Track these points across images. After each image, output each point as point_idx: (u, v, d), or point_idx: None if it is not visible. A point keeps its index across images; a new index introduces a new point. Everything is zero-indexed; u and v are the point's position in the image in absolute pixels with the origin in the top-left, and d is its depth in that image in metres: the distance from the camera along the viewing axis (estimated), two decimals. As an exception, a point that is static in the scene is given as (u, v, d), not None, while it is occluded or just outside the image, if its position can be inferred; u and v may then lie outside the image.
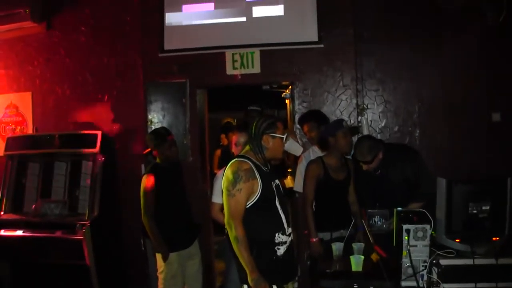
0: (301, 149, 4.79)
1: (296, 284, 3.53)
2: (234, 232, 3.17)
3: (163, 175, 4.66)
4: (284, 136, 3.34)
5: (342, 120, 4.74)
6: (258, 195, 3.22)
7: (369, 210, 4.18)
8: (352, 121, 5.53)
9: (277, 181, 3.41)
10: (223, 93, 6.73)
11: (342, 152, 4.53)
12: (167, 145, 4.70)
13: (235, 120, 8.28)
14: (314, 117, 5.09)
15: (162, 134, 4.76)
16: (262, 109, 5.75)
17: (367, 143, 4.21)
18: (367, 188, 4.39)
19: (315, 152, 4.87)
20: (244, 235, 3.16)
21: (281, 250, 3.25)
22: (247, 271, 3.16)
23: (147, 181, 4.57)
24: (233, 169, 3.24)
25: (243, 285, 3.28)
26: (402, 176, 4.21)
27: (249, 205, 3.22)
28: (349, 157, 4.62)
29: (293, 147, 3.32)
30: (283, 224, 3.29)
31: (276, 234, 3.24)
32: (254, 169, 3.24)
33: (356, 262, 3.54)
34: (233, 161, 3.33)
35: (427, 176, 4.14)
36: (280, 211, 3.29)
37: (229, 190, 3.20)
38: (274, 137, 3.32)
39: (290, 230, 3.34)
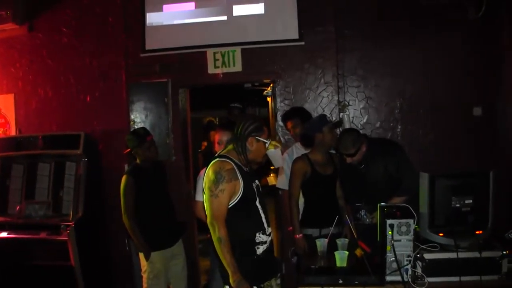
0: (282, 163, 4.78)
1: (279, 281, 3.50)
2: (217, 233, 3.14)
3: (143, 175, 4.67)
4: (268, 142, 3.31)
5: (325, 115, 4.79)
6: (240, 196, 3.21)
7: (356, 204, 4.24)
8: (334, 118, 5.55)
9: (257, 182, 3.40)
10: (206, 92, 6.74)
11: (328, 147, 4.55)
12: (146, 145, 4.70)
13: (217, 119, 8.29)
14: (298, 114, 5.10)
15: (141, 134, 4.76)
16: (243, 107, 5.77)
17: (350, 136, 4.24)
18: (352, 182, 4.39)
19: (298, 149, 4.90)
20: (227, 236, 3.14)
21: (260, 250, 3.26)
22: (229, 273, 3.14)
23: (125, 182, 4.59)
24: (215, 168, 3.22)
25: (225, 286, 3.28)
26: (385, 170, 4.21)
27: (230, 205, 3.21)
28: (333, 151, 4.65)
29: (276, 156, 3.33)
30: (263, 224, 3.30)
31: (257, 234, 3.25)
32: (236, 169, 3.23)
33: (341, 258, 3.55)
34: (214, 160, 3.30)
35: (410, 170, 4.14)
36: (261, 211, 3.30)
37: (212, 190, 3.18)
38: (258, 140, 3.31)
39: (269, 230, 3.35)
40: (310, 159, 4.50)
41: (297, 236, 4.40)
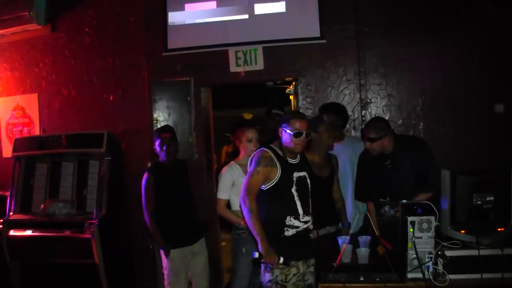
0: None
1: (312, 268, 3.71)
2: (248, 205, 3.56)
3: (164, 173, 4.69)
4: (293, 132, 3.59)
5: (323, 115, 4.75)
6: (275, 181, 3.61)
7: (380, 200, 4.22)
8: (356, 115, 5.59)
9: (302, 173, 3.73)
10: (228, 91, 6.75)
11: (325, 147, 4.47)
12: (159, 143, 4.71)
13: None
14: (334, 109, 5.06)
15: (157, 131, 4.82)
16: (285, 113, 5.78)
17: (378, 122, 4.30)
18: (376, 178, 4.34)
19: None
20: (256, 208, 3.56)
21: (289, 232, 3.60)
22: (258, 241, 3.51)
23: (145, 179, 4.62)
24: (257, 155, 3.69)
25: (255, 252, 3.64)
26: (411, 166, 4.17)
27: (266, 188, 3.63)
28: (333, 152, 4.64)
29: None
30: (297, 210, 3.63)
31: (288, 217, 3.60)
32: (274, 157, 3.63)
33: (362, 255, 3.56)
34: (259, 149, 3.79)
35: (435, 167, 4.11)
36: (296, 198, 3.63)
37: (250, 171, 3.64)
38: (285, 131, 3.66)
39: (307, 218, 3.67)
40: (308, 160, 4.37)
41: None
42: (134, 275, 6.00)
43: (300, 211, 3.63)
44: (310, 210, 3.72)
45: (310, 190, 3.78)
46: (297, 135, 3.60)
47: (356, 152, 4.91)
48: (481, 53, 5.44)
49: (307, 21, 5.65)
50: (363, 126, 5.52)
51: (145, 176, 4.65)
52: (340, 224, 4.49)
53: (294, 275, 3.59)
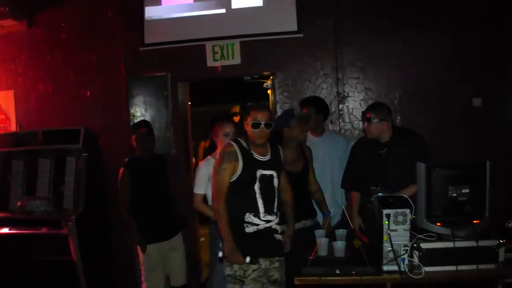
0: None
1: (277, 264, 3.64)
2: (218, 204, 3.57)
3: (140, 167, 4.68)
4: (251, 123, 3.57)
5: (292, 110, 4.74)
6: (237, 176, 3.58)
7: (371, 188, 4.18)
8: (333, 109, 5.59)
9: (269, 172, 3.64)
10: (207, 87, 6.74)
11: (298, 142, 4.46)
12: (135, 137, 4.70)
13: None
14: (314, 103, 5.08)
15: (134, 126, 4.82)
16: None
17: (381, 106, 4.31)
18: (370, 166, 4.31)
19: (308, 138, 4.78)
20: (224, 208, 3.54)
21: (250, 229, 3.56)
22: (224, 241, 3.55)
23: (122, 174, 4.62)
24: (221, 150, 3.72)
25: (219, 252, 3.68)
26: (407, 158, 4.08)
27: (232, 180, 3.59)
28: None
29: None
30: (257, 208, 3.57)
31: (247, 214, 3.56)
32: (239, 152, 3.59)
33: (338, 248, 3.56)
34: (226, 142, 3.75)
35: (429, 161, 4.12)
36: (258, 196, 3.57)
37: (216, 168, 3.62)
38: (247, 123, 3.64)
39: (270, 218, 3.60)
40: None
41: None
42: (113, 271, 5.97)
43: (261, 209, 3.57)
44: (276, 211, 3.65)
45: (276, 190, 3.68)
46: (255, 125, 3.57)
47: (336, 146, 4.93)
48: (460, 48, 5.47)
49: (284, 15, 5.64)
50: (340, 120, 5.54)
51: (121, 170, 4.65)
52: (317, 218, 4.49)
53: (253, 271, 3.54)
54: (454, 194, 3.34)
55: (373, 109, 4.25)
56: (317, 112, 4.95)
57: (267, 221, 3.59)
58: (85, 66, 6.08)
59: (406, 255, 3.23)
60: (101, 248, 5.82)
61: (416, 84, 5.57)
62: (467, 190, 3.33)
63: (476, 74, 5.47)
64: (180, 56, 5.79)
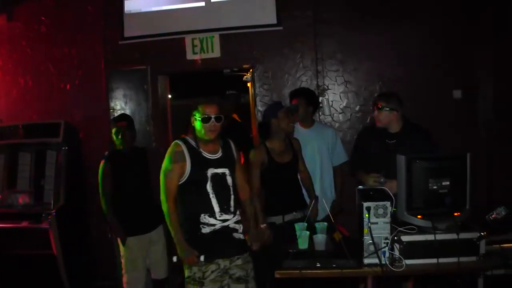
0: None
1: (239, 261, 3.61)
2: (166, 206, 3.50)
3: (120, 160, 4.68)
4: (201, 117, 3.50)
5: (280, 102, 4.70)
6: (187, 177, 3.50)
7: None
8: (313, 102, 5.58)
9: (221, 170, 3.59)
10: (188, 80, 6.74)
11: (286, 133, 4.41)
12: (114, 131, 4.70)
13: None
14: (304, 94, 5.03)
15: (114, 119, 4.80)
16: (239, 93, 5.79)
17: (393, 96, 4.26)
18: (375, 153, 4.25)
19: (297, 129, 4.77)
20: (174, 210, 3.50)
21: (206, 229, 3.51)
22: (175, 242, 3.49)
23: (102, 167, 4.62)
24: (169, 150, 3.57)
25: (173, 257, 3.60)
26: (414, 151, 3.95)
27: (181, 182, 3.52)
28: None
29: None
30: (212, 208, 3.52)
31: (202, 215, 3.51)
32: (186, 152, 3.51)
33: (319, 241, 3.53)
34: (173, 142, 3.62)
35: None
36: (211, 195, 3.52)
37: (163, 169, 3.53)
38: (195, 119, 3.55)
39: (226, 216, 3.56)
40: (268, 147, 4.37)
41: (261, 226, 4.25)
42: (94, 265, 5.98)
43: (216, 209, 3.52)
44: (233, 209, 3.60)
45: (231, 188, 3.63)
46: (205, 120, 3.49)
47: (325, 138, 4.91)
48: (439, 40, 5.50)
49: (264, 8, 5.65)
50: (320, 113, 5.55)
51: (101, 163, 4.64)
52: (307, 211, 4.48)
53: (212, 271, 3.50)
54: (435, 187, 3.31)
55: (384, 98, 4.25)
56: (307, 103, 4.91)
57: (224, 221, 3.54)
58: (65, 59, 6.07)
59: (387, 248, 3.20)
60: (81, 242, 5.83)
61: (396, 76, 5.59)
62: (448, 183, 3.31)
63: (456, 66, 5.51)
64: (160, 50, 5.79)
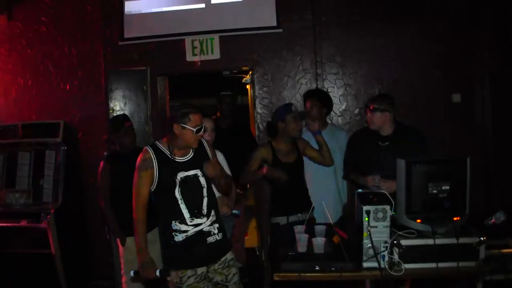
0: None
1: (217, 265, 3.54)
2: (135, 213, 3.42)
3: (120, 161, 4.67)
4: (195, 129, 3.35)
5: (291, 104, 4.63)
6: (155, 184, 3.41)
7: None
8: (311, 105, 5.59)
9: (191, 172, 3.47)
10: (187, 80, 6.75)
11: (291, 137, 4.43)
12: (123, 132, 4.69)
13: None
14: (318, 95, 5.06)
15: (119, 120, 4.76)
16: (234, 94, 5.79)
17: (385, 97, 4.28)
18: (368, 156, 4.28)
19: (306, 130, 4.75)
20: (142, 219, 3.42)
21: (179, 237, 3.42)
22: (137, 252, 3.45)
23: (101, 168, 4.61)
24: (140, 156, 3.46)
25: (131, 271, 3.56)
26: (409, 154, 3.91)
27: (152, 190, 3.43)
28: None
29: None
30: (182, 214, 3.42)
31: (173, 222, 3.42)
32: (154, 158, 3.40)
33: (318, 244, 3.49)
34: (145, 147, 3.52)
35: None
36: (180, 201, 3.41)
37: (134, 176, 3.44)
38: (184, 128, 3.36)
39: (199, 221, 3.45)
40: (274, 147, 4.41)
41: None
42: (92, 264, 6.01)
43: (186, 214, 3.41)
44: (206, 211, 3.47)
45: (205, 189, 3.50)
46: (199, 131, 3.39)
47: (338, 140, 4.91)
48: (439, 44, 5.51)
49: (263, 10, 5.66)
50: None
51: (101, 165, 4.63)
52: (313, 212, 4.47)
53: (189, 277, 3.42)
54: (434, 191, 3.29)
55: (376, 99, 4.26)
56: (321, 105, 4.94)
57: (196, 225, 3.44)
58: (64, 59, 6.08)
59: (386, 251, 3.19)
60: (80, 242, 5.85)
61: (395, 80, 5.61)
62: (447, 187, 3.30)
63: (455, 69, 5.52)
64: (159, 51, 5.81)
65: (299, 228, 3.69)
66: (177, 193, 3.41)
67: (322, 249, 3.48)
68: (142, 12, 5.84)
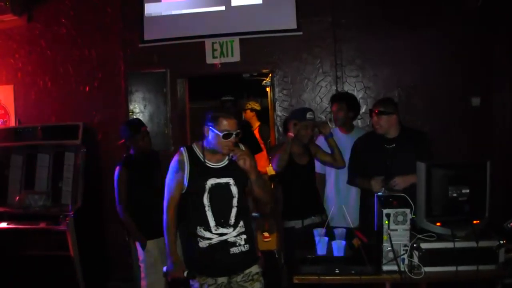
0: None
1: (239, 278, 3.42)
2: (165, 215, 3.41)
3: (136, 165, 4.67)
4: (222, 134, 3.23)
5: (309, 110, 4.52)
6: (185, 188, 3.34)
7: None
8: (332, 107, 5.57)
9: (224, 180, 3.37)
10: (206, 82, 6.75)
11: (301, 141, 4.41)
12: (140, 136, 4.69)
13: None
14: (345, 99, 5.04)
15: (135, 124, 4.76)
16: (236, 99, 5.78)
17: (390, 101, 4.31)
18: (374, 160, 4.27)
19: (336, 133, 4.75)
20: (171, 220, 3.40)
21: (202, 244, 3.34)
22: (168, 253, 3.43)
23: (118, 173, 4.60)
24: (174, 157, 3.42)
25: (164, 267, 3.53)
26: (413, 156, 3.93)
27: (182, 192, 3.37)
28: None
29: None
30: (207, 221, 3.33)
31: (198, 228, 3.35)
32: (187, 162, 3.34)
33: (337, 247, 3.52)
34: (180, 149, 3.48)
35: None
36: (207, 208, 3.32)
37: (166, 178, 3.42)
38: (212, 131, 3.28)
39: (224, 230, 3.35)
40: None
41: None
42: (110, 267, 6.01)
43: (211, 222, 3.32)
44: (233, 222, 3.36)
45: (236, 199, 3.38)
46: (226, 136, 3.24)
47: None
48: (460, 46, 5.48)
49: (283, 13, 5.66)
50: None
51: (117, 169, 4.63)
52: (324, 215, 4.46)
53: (209, 285, 3.36)
54: (454, 194, 3.30)
55: (382, 103, 4.26)
56: (348, 108, 4.93)
57: (221, 234, 3.34)
58: (84, 61, 6.09)
59: (405, 255, 3.21)
60: (99, 244, 5.86)
61: (415, 83, 5.58)
62: (467, 190, 3.30)
63: (476, 74, 5.49)
64: (179, 53, 5.81)
65: (319, 231, 3.70)
66: (205, 200, 3.32)
67: (342, 252, 3.51)
68: (162, 14, 5.85)
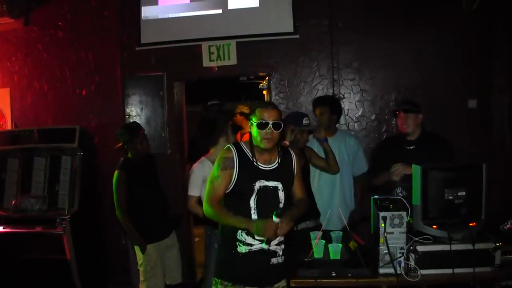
0: None
1: None
2: (215, 212, 3.11)
3: (135, 169, 4.67)
4: (257, 122, 3.09)
5: (305, 116, 4.43)
6: (232, 186, 3.14)
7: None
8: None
9: (273, 183, 3.18)
10: (203, 86, 6.75)
11: (296, 146, 4.31)
12: (138, 140, 4.68)
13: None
14: (328, 103, 5.02)
15: (133, 128, 4.75)
16: (222, 103, 5.78)
17: (413, 101, 4.36)
18: (394, 160, 4.17)
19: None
20: (221, 209, 3.11)
21: (241, 249, 3.14)
22: (245, 226, 3.07)
23: (117, 177, 4.59)
24: (220, 154, 3.21)
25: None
26: (433, 158, 3.97)
27: (227, 191, 3.17)
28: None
29: None
30: None
31: (239, 231, 3.14)
32: (236, 159, 3.15)
33: (334, 250, 3.53)
34: (226, 146, 3.28)
35: None
36: (253, 211, 3.12)
37: (212, 174, 3.19)
38: (252, 124, 3.16)
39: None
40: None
41: None
42: (107, 270, 5.99)
43: None
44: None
45: (282, 204, 3.19)
46: (261, 125, 3.07)
47: (347, 146, 4.90)
48: (457, 49, 5.47)
49: (280, 16, 5.64)
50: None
51: (116, 173, 4.62)
52: (319, 219, 4.45)
53: None
54: (451, 197, 3.33)
55: (408, 102, 4.30)
56: (331, 111, 4.91)
57: (262, 241, 3.10)
58: (81, 64, 6.09)
59: (402, 257, 3.23)
60: (96, 248, 5.84)
61: (412, 85, 5.57)
62: (463, 193, 3.32)
63: (472, 75, 5.49)
64: (176, 56, 5.80)
65: (315, 234, 3.72)
66: (252, 202, 3.11)
67: (338, 255, 3.52)
68: (159, 17, 5.85)
